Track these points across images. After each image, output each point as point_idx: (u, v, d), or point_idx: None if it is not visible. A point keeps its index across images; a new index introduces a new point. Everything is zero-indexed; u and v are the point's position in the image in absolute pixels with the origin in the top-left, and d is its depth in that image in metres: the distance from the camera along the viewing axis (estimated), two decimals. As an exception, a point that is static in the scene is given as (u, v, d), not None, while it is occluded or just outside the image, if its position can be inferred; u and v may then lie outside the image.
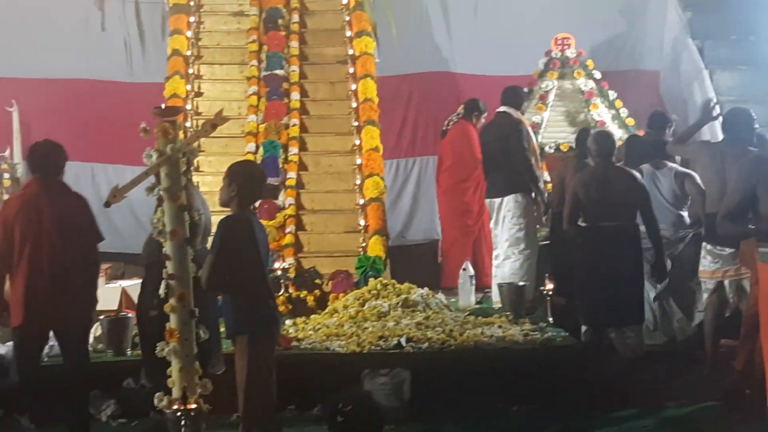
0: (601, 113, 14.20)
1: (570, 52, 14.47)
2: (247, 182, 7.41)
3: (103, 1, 15.77)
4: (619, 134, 13.25)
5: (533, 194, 12.01)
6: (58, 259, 8.11)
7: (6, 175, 14.28)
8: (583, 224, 9.85)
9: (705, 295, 9.77)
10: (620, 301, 9.64)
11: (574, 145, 12.52)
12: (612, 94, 14.35)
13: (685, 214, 10.55)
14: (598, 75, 14.47)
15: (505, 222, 12.13)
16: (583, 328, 9.93)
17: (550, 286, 11.00)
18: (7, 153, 14.52)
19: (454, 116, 13.68)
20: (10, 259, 8.13)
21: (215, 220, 7.83)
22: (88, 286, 8.35)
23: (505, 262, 12.17)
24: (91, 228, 8.37)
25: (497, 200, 12.16)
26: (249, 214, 7.52)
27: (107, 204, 6.42)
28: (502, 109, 12.33)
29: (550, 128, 14.21)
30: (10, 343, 8.87)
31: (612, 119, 14.19)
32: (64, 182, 8.50)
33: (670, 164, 10.63)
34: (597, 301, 9.69)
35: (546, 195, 12.31)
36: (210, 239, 8.20)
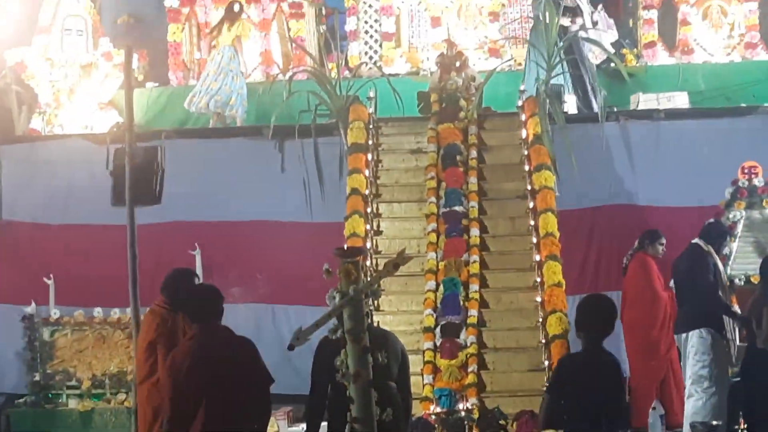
0: (791, 243, 13.69)
1: (758, 181, 14.02)
2: None
3: (282, 142, 15.98)
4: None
5: (722, 330, 11.63)
6: (233, 408, 7.93)
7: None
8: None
9: None
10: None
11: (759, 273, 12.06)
12: (803, 221, 13.85)
13: None
14: (787, 202, 13.99)
15: (689, 358, 11.81)
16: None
17: (744, 426, 10.53)
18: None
19: (631, 251, 13.38)
20: (186, 417, 7.96)
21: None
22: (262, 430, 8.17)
23: (689, 401, 11.85)
24: (262, 371, 8.19)
25: (683, 335, 11.79)
26: None
27: (291, 347, 6.31)
28: (694, 240, 12.01)
29: (739, 260, 13.75)
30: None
31: (804, 248, 13.65)
32: (227, 327, 8.34)
33: None
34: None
35: (736, 331, 11.89)
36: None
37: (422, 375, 12.63)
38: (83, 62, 20.16)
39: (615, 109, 16.46)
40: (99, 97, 20.02)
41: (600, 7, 19.19)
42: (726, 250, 13.53)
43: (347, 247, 11.10)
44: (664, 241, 13.17)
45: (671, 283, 13.03)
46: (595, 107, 16.40)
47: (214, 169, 16.19)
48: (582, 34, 17.33)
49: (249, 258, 15.48)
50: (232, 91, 18.22)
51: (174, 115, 20.00)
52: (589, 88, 16.88)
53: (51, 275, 15.44)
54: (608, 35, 18.42)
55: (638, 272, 13.16)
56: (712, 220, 13.06)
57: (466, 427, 10.89)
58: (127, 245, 11.20)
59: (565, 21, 17.18)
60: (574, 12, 17.52)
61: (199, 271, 14.93)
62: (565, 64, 16.45)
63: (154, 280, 12.51)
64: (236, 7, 19.14)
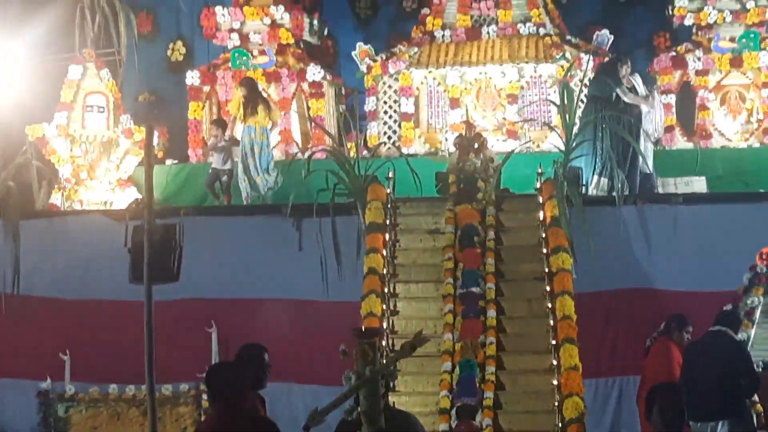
0: (810, 330, 13.63)
1: (776, 267, 13.99)
2: None
3: (300, 221, 16.02)
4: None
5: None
6: None
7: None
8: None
9: None
10: None
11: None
12: (821, 309, 13.78)
13: None
14: (806, 289, 13.93)
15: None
16: None
17: None
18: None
19: (656, 333, 13.29)
20: None
21: None
22: None
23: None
24: None
25: (709, 424, 11.69)
26: None
27: (306, 427, 6.27)
28: (717, 328, 12.03)
29: (757, 346, 13.68)
30: None
31: (824, 337, 13.59)
32: (250, 407, 8.20)
33: None
34: None
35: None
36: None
37: (438, 457, 12.55)
38: (104, 139, 20.33)
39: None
40: (119, 173, 20.15)
41: (656, 86, 19.17)
42: (744, 336, 13.48)
43: (364, 328, 11.11)
44: (690, 329, 12.98)
45: None
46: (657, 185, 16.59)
47: (232, 246, 16.25)
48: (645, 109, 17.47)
49: (265, 336, 15.38)
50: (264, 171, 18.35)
51: (193, 192, 20.14)
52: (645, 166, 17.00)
53: (67, 351, 15.43)
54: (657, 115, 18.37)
55: (660, 357, 12.99)
56: (729, 306, 12.99)
57: None
58: (144, 322, 11.18)
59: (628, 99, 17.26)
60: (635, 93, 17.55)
61: (214, 349, 14.93)
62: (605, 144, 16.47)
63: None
64: (241, 91, 19.21)
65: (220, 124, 19.58)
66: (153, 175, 11.42)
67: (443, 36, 21.27)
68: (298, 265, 15.88)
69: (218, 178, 18.93)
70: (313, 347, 14.95)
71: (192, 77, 21.24)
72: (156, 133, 20.18)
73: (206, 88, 21.29)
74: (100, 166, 20.14)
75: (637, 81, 17.71)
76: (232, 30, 21.34)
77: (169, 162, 20.91)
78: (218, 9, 21.34)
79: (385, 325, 14.09)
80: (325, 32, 22.54)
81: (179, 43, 23.74)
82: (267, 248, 16.15)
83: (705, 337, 12.24)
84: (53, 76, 20.85)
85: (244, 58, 21.24)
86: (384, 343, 13.56)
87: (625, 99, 17.14)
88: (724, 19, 20.27)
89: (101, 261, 15.79)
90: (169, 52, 23.75)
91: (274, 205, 17.33)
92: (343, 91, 21.79)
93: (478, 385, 13.18)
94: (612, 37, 20.41)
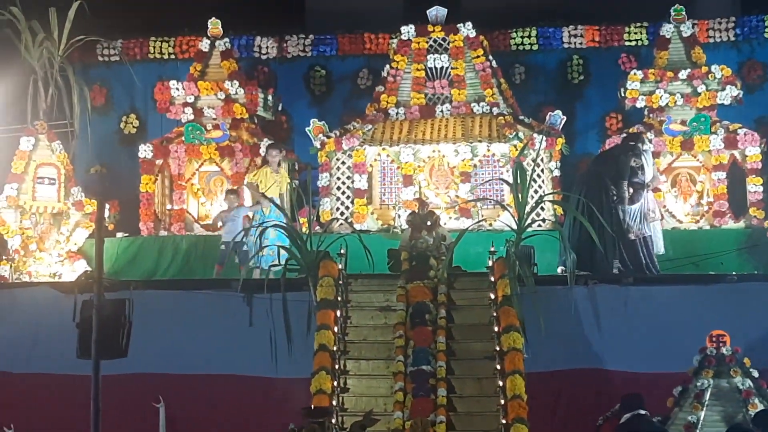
0: (760, 413, 13.60)
1: (726, 350, 13.94)
2: None
3: (251, 296, 15.91)
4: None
5: None
6: None
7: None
8: None
9: None
10: None
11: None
12: (772, 394, 13.78)
13: None
14: (755, 373, 13.90)
15: None
16: None
17: None
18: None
19: (608, 413, 13.26)
20: None
21: None
22: None
23: None
24: None
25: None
26: None
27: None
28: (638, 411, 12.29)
29: (706, 428, 13.61)
30: None
31: (773, 420, 13.56)
32: None
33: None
34: None
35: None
36: None
37: None
38: (54, 210, 20.22)
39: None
40: (68, 245, 20.01)
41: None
42: (693, 419, 13.46)
43: (313, 407, 11.04)
44: (643, 413, 13.02)
45: None
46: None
47: (182, 321, 16.09)
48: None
49: (214, 413, 15.28)
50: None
51: (143, 265, 20.05)
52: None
53: (11, 425, 15.18)
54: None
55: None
56: (680, 388, 13.02)
57: None
58: (90, 398, 11.06)
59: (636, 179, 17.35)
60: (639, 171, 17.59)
61: (162, 423, 14.74)
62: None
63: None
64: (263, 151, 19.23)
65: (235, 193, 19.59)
66: (103, 248, 11.35)
67: (397, 113, 21.41)
68: (247, 341, 15.73)
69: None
70: (262, 424, 14.75)
71: (145, 150, 21.21)
72: (107, 206, 20.13)
73: (159, 162, 21.24)
74: (50, 238, 20.01)
75: (648, 159, 17.76)
76: (186, 104, 21.38)
77: (119, 235, 20.80)
78: (172, 83, 21.39)
79: (334, 402, 13.98)
80: (280, 108, 22.63)
81: (132, 116, 23.75)
82: (217, 323, 16.00)
83: (627, 423, 12.28)
84: (4, 148, 20.78)
85: (198, 132, 21.28)
86: (333, 421, 13.45)
87: (625, 192, 17.21)
88: (676, 102, 20.59)
89: (49, 334, 15.60)
90: (122, 125, 23.75)
91: (224, 279, 17.21)
92: (297, 167, 21.80)
93: (427, 464, 13.08)
94: (565, 117, 20.61)
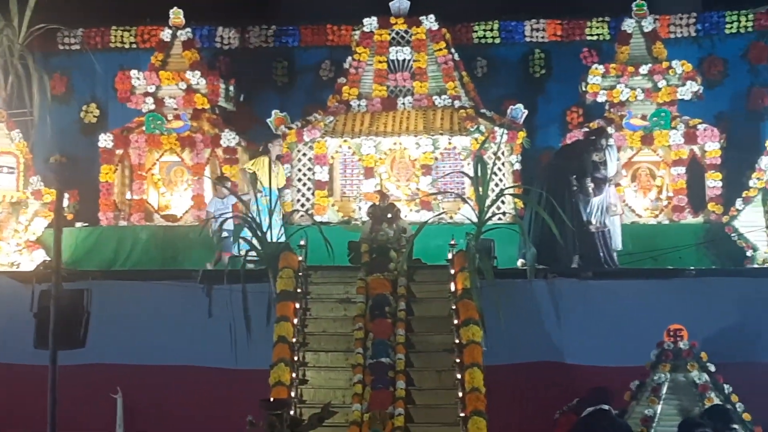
0: (716, 407, 13.70)
1: (683, 344, 14.05)
2: None
3: (211, 287, 15.87)
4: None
5: None
6: None
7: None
8: None
9: None
10: None
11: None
12: (727, 388, 13.84)
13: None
14: (712, 368, 14.01)
15: None
16: None
17: None
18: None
19: (565, 407, 13.33)
20: None
21: None
22: None
23: None
24: None
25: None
26: None
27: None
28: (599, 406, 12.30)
29: (663, 422, 13.72)
30: None
31: (728, 415, 13.67)
32: None
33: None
34: None
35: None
36: None
37: None
38: (13, 200, 20.07)
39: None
40: (27, 235, 19.88)
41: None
42: (650, 412, 13.56)
43: (272, 399, 11.02)
44: (606, 408, 13.08)
45: None
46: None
47: (141, 312, 16.03)
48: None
49: (172, 404, 15.23)
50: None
51: (103, 256, 19.95)
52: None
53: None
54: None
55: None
56: (637, 382, 13.09)
57: None
58: (48, 389, 11.00)
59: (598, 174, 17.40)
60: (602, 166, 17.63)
61: (119, 414, 14.69)
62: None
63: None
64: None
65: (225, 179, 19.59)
66: (62, 238, 11.28)
67: (359, 105, 21.38)
68: (207, 332, 15.71)
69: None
70: (221, 416, 14.73)
71: (105, 140, 21.08)
72: (66, 196, 19.99)
73: (119, 152, 21.13)
74: (8, 227, 19.86)
75: (611, 154, 17.82)
76: (147, 94, 21.25)
77: (79, 225, 20.67)
78: (133, 72, 21.25)
79: (293, 394, 13.99)
80: (241, 98, 22.53)
81: (93, 105, 23.55)
82: (176, 314, 15.95)
83: (588, 417, 12.34)
84: (-38, 136, 20.60)
85: (159, 122, 21.16)
86: (292, 413, 13.44)
87: (588, 186, 17.26)
88: (636, 97, 20.65)
89: (6, 324, 15.51)
90: (82, 114, 23.55)
91: (184, 270, 17.14)
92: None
93: (386, 456, 13.11)
94: (526, 111, 20.65)
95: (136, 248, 20.27)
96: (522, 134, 20.45)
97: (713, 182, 20.35)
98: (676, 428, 12.20)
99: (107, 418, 14.87)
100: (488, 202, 16.57)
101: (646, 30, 21.29)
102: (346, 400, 14.04)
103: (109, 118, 23.22)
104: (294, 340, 14.71)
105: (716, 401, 13.61)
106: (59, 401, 11.17)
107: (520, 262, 16.92)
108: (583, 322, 15.77)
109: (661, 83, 20.55)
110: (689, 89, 20.56)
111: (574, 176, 17.25)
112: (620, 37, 21.48)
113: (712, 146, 20.40)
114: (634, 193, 20.68)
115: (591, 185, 17.26)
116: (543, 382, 15.42)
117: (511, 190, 19.16)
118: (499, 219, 18.17)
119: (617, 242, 17.81)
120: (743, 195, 19.36)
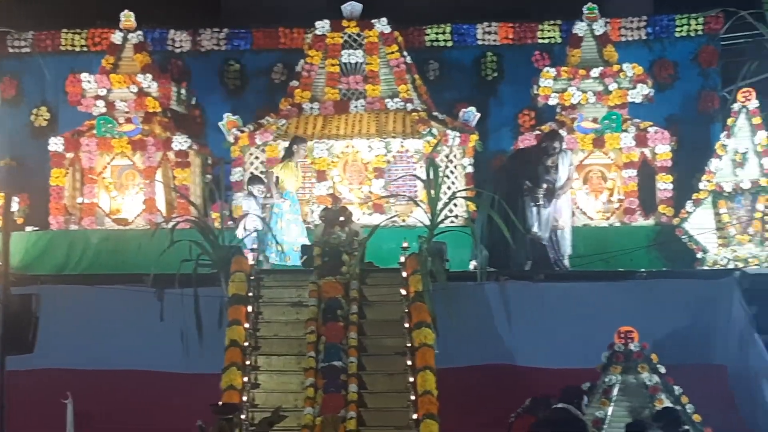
0: (666, 409, 13.78)
1: (634, 346, 14.10)
2: None
3: (162, 291, 15.80)
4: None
5: None
6: None
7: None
8: None
9: None
10: None
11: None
12: (678, 389, 13.91)
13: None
14: (662, 369, 14.08)
15: None
16: None
17: None
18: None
19: (519, 410, 13.34)
20: None
21: None
22: None
23: None
24: None
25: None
26: None
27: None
28: (560, 405, 12.27)
29: (614, 424, 13.76)
30: None
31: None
32: None
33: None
34: None
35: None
36: None
37: None
38: (-39, 203, 19.87)
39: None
40: (-25, 239, 19.67)
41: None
42: (601, 414, 13.60)
43: (222, 404, 10.96)
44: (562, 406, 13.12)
45: None
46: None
47: (92, 316, 15.94)
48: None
49: (123, 408, 15.14)
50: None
51: (53, 260, 19.82)
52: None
53: None
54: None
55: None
56: (588, 384, 13.14)
57: None
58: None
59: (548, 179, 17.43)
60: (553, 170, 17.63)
61: (70, 420, 14.56)
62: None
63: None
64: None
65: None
66: (10, 242, 11.19)
67: (311, 108, 21.37)
68: (158, 337, 15.63)
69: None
70: (171, 421, 14.63)
71: (55, 143, 20.95)
72: (16, 200, 19.83)
73: (70, 155, 21.00)
74: (-44, 232, 19.65)
75: (564, 159, 17.84)
76: (98, 97, 21.12)
77: (29, 229, 20.52)
78: (84, 75, 21.12)
79: (245, 398, 13.92)
80: (193, 102, 22.46)
81: (43, 108, 23.41)
82: (127, 318, 15.87)
83: (551, 415, 12.35)
84: None
85: (110, 125, 21.04)
86: (243, 417, 13.40)
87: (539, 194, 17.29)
88: (588, 100, 20.74)
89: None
90: (32, 118, 23.40)
91: (135, 274, 17.03)
92: (210, 161, 21.67)
93: (338, 460, 13.09)
94: (478, 114, 20.72)
95: (87, 252, 20.14)
96: (474, 137, 20.49)
97: (664, 185, 20.48)
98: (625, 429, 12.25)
99: (57, 424, 14.74)
100: (440, 205, 16.62)
101: (597, 33, 21.39)
102: (298, 404, 13.98)
103: (59, 122, 23.08)
104: (246, 343, 14.65)
105: (666, 403, 13.67)
106: (8, 407, 11.07)
107: (472, 265, 16.94)
108: (535, 324, 15.83)
109: (612, 86, 20.66)
110: (640, 92, 20.67)
111: (527, 181, 17.30)
112: (572, 40, 21.58)
113: (662, 149, 20.53)
114: (586, 195, 20.76)
115: (542, 193, 17.28)
116: (495, 384, 15.46)
117: (463, 193, 19.17)
118: (452, 222, 18.20)
119: (566, 248, 17.85)
120: (693, 197, 19.45)
